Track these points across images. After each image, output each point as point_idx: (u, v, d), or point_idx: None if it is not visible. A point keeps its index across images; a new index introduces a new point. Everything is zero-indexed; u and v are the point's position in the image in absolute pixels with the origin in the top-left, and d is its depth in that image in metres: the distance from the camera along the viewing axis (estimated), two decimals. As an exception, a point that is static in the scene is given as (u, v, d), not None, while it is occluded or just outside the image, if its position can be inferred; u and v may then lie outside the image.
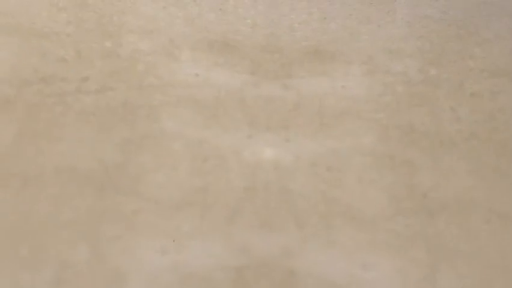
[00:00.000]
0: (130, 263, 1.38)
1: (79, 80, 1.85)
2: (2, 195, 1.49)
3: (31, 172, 1.56)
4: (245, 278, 1.38)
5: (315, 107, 1.85)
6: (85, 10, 2.13)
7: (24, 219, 1.45)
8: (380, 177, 1.66)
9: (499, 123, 1.84)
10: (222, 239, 1.46)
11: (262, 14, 2.20)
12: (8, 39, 2.00)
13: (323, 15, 2.21)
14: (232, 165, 1.65)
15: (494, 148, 1.76)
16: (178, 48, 2.01)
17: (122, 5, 2.17)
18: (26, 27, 2.05)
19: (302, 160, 1.68)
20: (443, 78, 1.98)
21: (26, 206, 1.48)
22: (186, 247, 1.43)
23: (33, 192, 1.51)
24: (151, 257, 1.39)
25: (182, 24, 2.12)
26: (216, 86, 1.89)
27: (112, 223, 1.47)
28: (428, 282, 1.41)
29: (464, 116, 1.86)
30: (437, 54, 2.08)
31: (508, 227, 1.55)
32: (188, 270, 1.38)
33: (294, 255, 1.44)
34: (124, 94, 1.83)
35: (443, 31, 2.20)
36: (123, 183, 1.57)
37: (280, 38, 2.10)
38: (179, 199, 1.54)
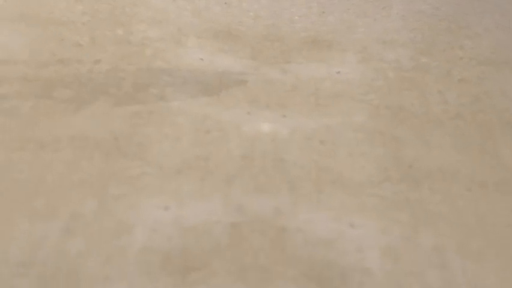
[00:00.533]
0: (135, 217, 1.51)
1: (93, 62, 2.00)
2: (19, 156, 1.63)
3: (46, 139, 1.70)
4: (240, 232, 1.50)
5: (312, 89, 1.98)
6: (100, 2, 2.30)
7: (40, 178, 1.58)
8: (370, 150, 1.78)
9: (484, 105, 1.96)
10: (220, 199, 1.58)
11: (265, 7, 2.35)
12: (28, 27, 2.17)
13: (321, 9, 2.36)
14: (232, 137, 1.78)
15: (478, 127, 1.88)
16: (185, 36, 2.16)
17: (134, -3, 2.34)
18: (45, 16, 2.22)
19: (297, 134, 1.81)
20: (433, 66, 2.11)
21: (41, 167, 1.61)
22: (187, 205, 1.55)
23: (48, 156, 1.65)
24: (154, 212, 1.52)
25: (190, 15, 2.28)
26: (219, 69, 2.03)
27: (119, 184, 1.60)
28: (409, 241, 1.53)
29: (452, 99, 1.98)
30: (428, 44, 2.21)
31: (486, 195, 1.66)
32: (188, 224, 1.50)
33: (285, 214, 1.56)
34: (133, 75, 1.98)
35: (435, 25, 2.33)
36: (130, 150, 1.70)
37: (281, 28, 2.25)
38: (181, 165, 1.67)
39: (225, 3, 2.32)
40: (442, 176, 1.70)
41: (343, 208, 1.60)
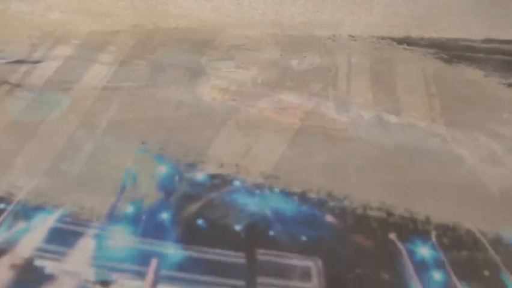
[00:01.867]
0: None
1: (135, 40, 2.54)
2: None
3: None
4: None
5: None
6: (138, 0, 2.86)
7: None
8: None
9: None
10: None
11: (270, 7, 2.90)
12: (81, 16, 2.72)
13: (316, 8, 2.91)
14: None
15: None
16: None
17: (164, -3, 2.91)
18: (94, 10, 2.78)
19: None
20: (408, 49, 2.63)
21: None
22: None
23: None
24: None
25: (210, 12, 2.83)
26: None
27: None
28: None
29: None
30: (403, 36, 2.73)
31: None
32: None
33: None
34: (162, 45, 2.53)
35: (409, 22, 2.85)
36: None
37: (283, 23, 2.78)
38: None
39: (238, 3, 2.87)
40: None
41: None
